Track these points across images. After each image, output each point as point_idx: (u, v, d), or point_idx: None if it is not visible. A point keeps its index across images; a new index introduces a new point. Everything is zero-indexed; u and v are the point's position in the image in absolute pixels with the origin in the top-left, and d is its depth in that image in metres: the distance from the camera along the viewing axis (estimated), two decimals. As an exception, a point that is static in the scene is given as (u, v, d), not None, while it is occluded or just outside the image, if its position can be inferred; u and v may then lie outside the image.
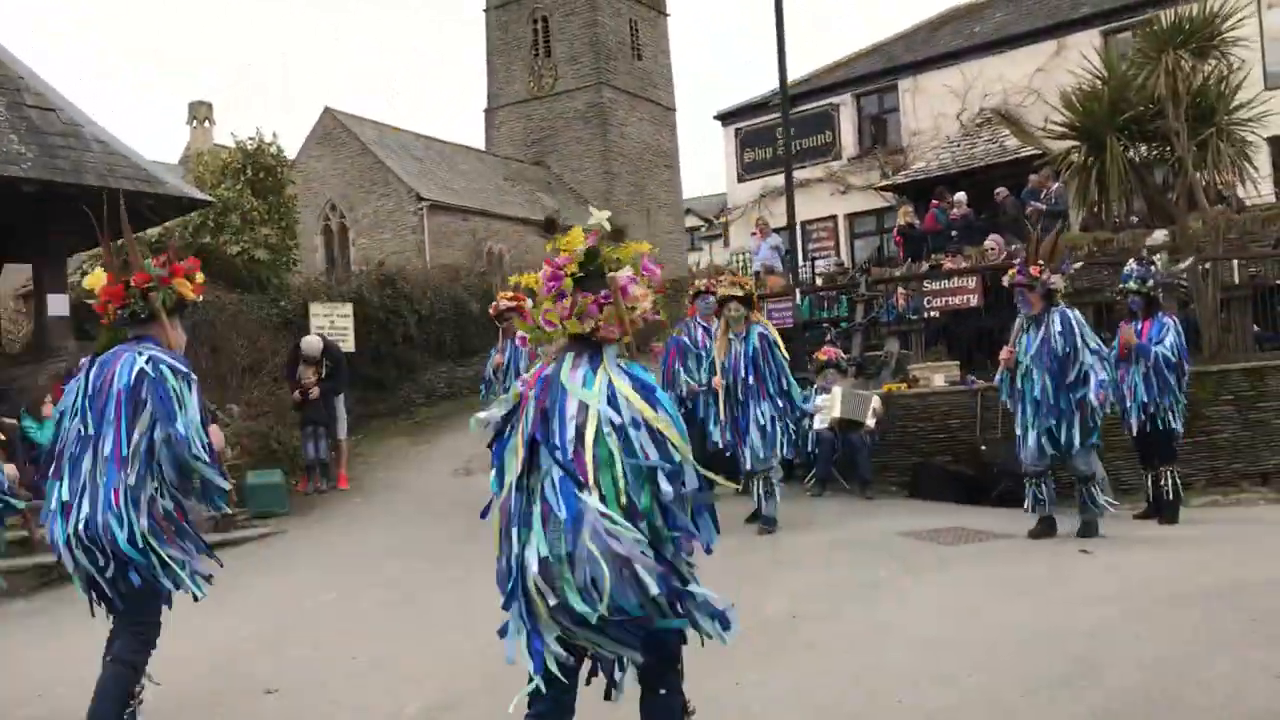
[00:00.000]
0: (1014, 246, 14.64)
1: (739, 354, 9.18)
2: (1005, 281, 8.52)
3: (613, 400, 3.32)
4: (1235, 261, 13.40)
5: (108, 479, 4.27)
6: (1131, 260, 9.67)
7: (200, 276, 4.82)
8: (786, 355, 9.50)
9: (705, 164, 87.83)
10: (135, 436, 4.32)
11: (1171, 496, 9.14)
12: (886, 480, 11.68)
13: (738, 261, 20.12)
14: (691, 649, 5.60)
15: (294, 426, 12.93)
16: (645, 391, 3.38)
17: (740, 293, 9.31)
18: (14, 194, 10.96)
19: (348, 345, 15.27)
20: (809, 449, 11.51)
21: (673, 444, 3.31)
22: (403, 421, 17.17)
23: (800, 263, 17.93)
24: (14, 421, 10.02)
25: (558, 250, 3.48)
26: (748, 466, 9.09)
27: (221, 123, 46.36)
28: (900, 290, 15.20)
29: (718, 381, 9.38)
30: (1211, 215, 14.47)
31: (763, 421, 9.05)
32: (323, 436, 12.78)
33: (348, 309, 16.37)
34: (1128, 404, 9.13)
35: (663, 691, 3.52)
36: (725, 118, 26.96)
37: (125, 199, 11.44)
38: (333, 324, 15.59)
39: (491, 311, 11.20)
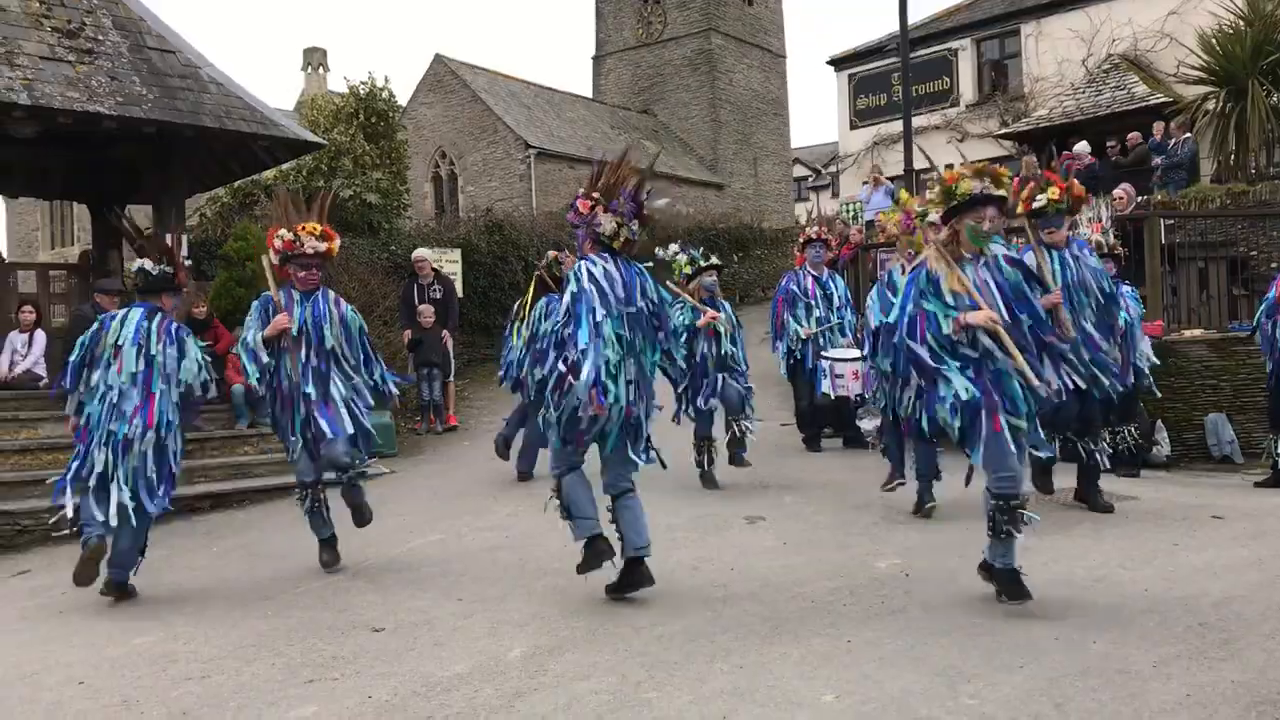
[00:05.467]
0: (1142, 198, 14.01)
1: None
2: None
3: None
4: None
5: None
6: None
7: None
8: None
9: (814, 112, 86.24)
10: None
11: None
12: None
13: (848, 211, 19.65)
14: (800, 608, 5.51)
15: (403, 369, 13.12)
16: None
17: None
18: (136, 135, 11.17)
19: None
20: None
21: None
22: (508, 367, 17.25)
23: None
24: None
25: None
26: None
27: (335, 69, 47.18)
28: (1019, 241, 14.63)
29: (805, 331, 10.38)
30: (1360, 166, 13.63)
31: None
32: (436, 378, 13.06)
33: (456, 254, 16.46)
34: None
35: None
36: (838, 63, 26.32)
37: (240, 140, 11.74)
38: (441, 269, 15.71)
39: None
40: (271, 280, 6.68)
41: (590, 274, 5.56)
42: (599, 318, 5.48)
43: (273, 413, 6.78)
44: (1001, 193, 5.15)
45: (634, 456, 5.75)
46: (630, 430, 5.72)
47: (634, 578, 5.74)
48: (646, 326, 5.71)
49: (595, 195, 5.74)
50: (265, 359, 6.48)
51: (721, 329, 9.12)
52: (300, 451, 6.63)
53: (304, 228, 6.51)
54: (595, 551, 5.75)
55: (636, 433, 5.75)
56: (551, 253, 9.15)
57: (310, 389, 6.53)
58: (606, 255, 5.68)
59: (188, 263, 7.67)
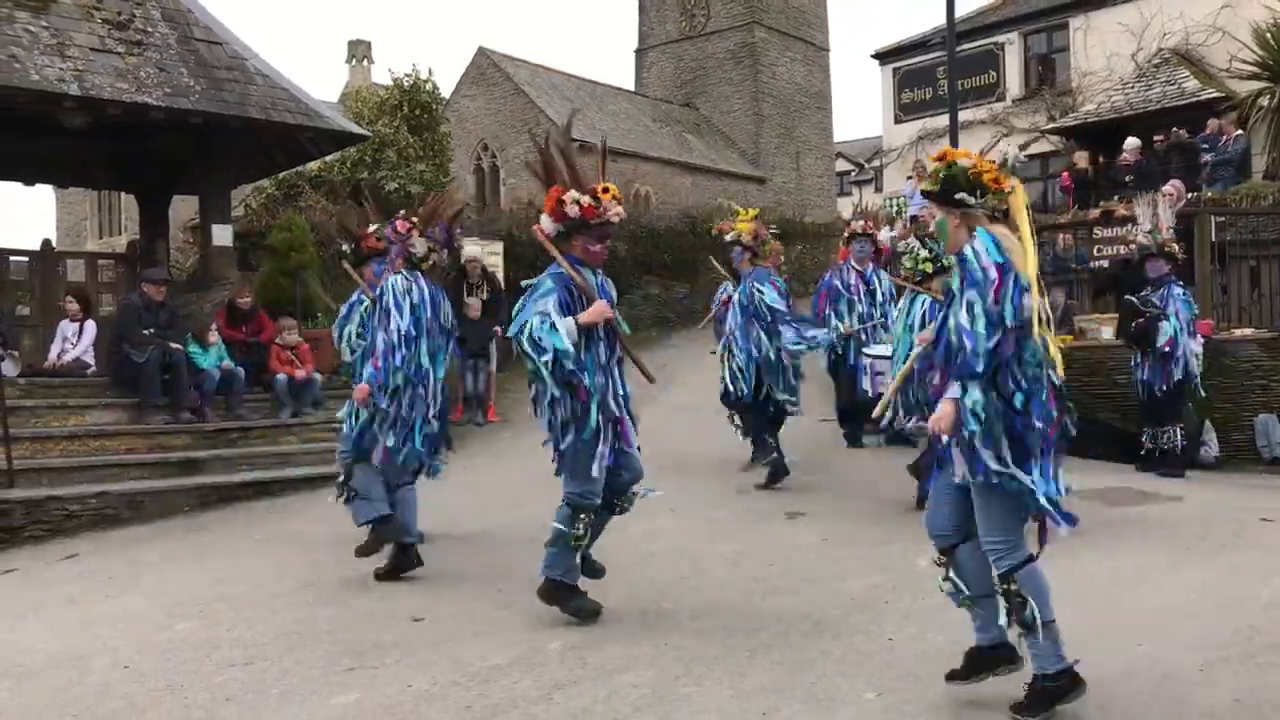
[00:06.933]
0: (1191, 195, 13.79)
1: None
2: None
3: None
4: None
5: None
6: None
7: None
8: None
9: (858, 106, 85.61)
10: None
11: None
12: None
13: (892, 205, 19.49)
14: (842, 604, 5.48)
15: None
16: None
17: None
18: (183, 126, 11.29)
19: (497, 283, 15.39)
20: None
21: None
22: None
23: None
24: (180, 347, 10.38)
25: None
26: None
27: (380, 62, 47.60)
28: (1061, 237, 14.49)
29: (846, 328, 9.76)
30: None
31: None
32: (481, 369, 13.06)
33: (498, 247, 16.49)
34: None
35: None
36: (883, 57, 26.10)
37: (286, 132, 11.83)
38: (483, 260, 15.74)
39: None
40: (559, 256, 5.27)
41: (404, 289, 6.39)
42: (402, 329, 6.32)
43: (574, 422, 5.20)
44: (925, 185, 4.20)
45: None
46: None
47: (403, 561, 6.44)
48: (442, 340, 6.58)
49: (414, 219, 6.56)
50: (569, 346, 5.01)
51: None
52: (600, 469, 5.25)
53: (604, 190, 5.20)
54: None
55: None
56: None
57: (622, 390, 5.39)
58: (415, 274, 6.50)
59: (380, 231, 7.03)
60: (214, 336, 10.86)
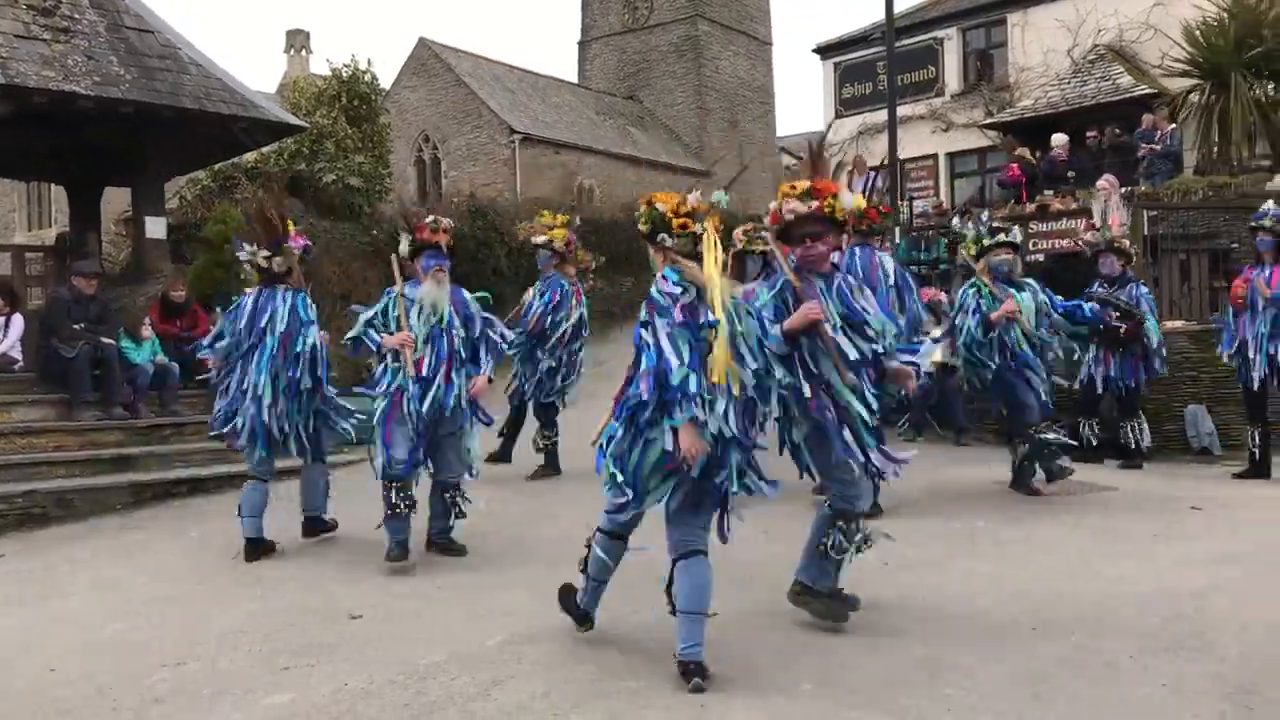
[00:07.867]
0: (1125, 189, 14.03)
1: None
2: None
3: None
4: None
5: None
6: (1270, 201, 9.17)
7: None
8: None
9: (801, 100, 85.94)
10: None
11: None
12: (982, 428, 11.34)
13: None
14: (780, 597, 5.49)
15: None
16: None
17: None
18: (113, 116, 11.04)
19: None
20: (901, 393, 11.19)
21: None
22: (490, 353, 17.14)
23: (898, 202, 17.41)
24: (112, 342, 10.17)
25: None
26: None
27: (318, 52, 47.06)
28: (1000, 231, 14.67)
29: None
30: (1342, 159, 13.69)
31: None
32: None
33: (439, 239, 16.33)
34: (1251, 355, 8.72)
35: None
36: (824, 51, 26.24)
37: (220, 122, 11.62)
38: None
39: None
40: (782, 260, 4.88)
41: (244, 300, 6.89)
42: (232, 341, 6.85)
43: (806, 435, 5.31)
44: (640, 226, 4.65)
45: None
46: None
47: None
48: (267, 342, 6.77)
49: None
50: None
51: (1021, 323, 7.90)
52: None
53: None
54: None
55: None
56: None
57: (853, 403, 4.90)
58: (259, 288, 6.88)
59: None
60: (147, 331, 10.65)
